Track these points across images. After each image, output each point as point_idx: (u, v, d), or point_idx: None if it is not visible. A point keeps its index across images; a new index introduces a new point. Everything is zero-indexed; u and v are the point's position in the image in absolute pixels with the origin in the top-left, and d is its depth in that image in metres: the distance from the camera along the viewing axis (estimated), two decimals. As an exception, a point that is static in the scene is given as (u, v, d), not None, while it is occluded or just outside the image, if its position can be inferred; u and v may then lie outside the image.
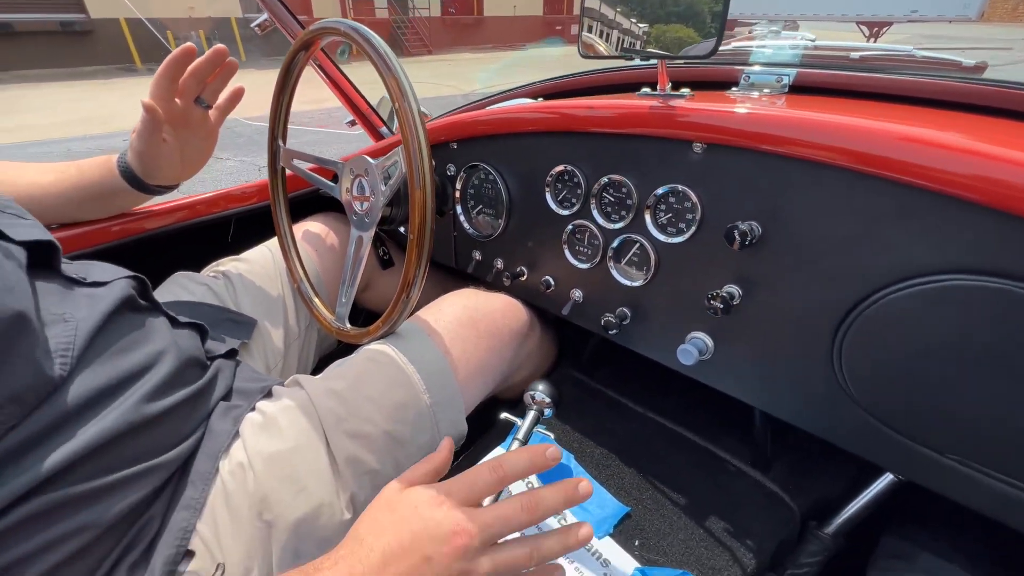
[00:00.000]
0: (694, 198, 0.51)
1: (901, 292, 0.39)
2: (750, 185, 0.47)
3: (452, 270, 0.88)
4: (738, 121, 0.45)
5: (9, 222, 0.46)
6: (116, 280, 0.52)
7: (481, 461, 0.62)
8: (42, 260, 0.47)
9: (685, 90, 0.53)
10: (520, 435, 0.54)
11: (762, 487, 0.58)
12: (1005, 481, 0.38)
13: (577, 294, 0.67)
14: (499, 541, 0.41)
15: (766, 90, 0.58)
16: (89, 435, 0.41)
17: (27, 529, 0.38)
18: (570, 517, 0.55)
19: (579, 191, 0.62)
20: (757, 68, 0.62)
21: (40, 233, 0.47)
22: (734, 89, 0.60)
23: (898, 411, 0.42)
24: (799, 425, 0.50)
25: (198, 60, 0.64)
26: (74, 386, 0.42)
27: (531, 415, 0.55)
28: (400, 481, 0.43)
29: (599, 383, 0.75)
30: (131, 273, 0.55)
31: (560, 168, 0.63)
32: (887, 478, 0.53)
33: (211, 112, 0.71)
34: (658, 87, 0.53)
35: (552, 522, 0.53)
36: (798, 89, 0.60)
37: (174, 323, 0.56)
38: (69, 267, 0.50)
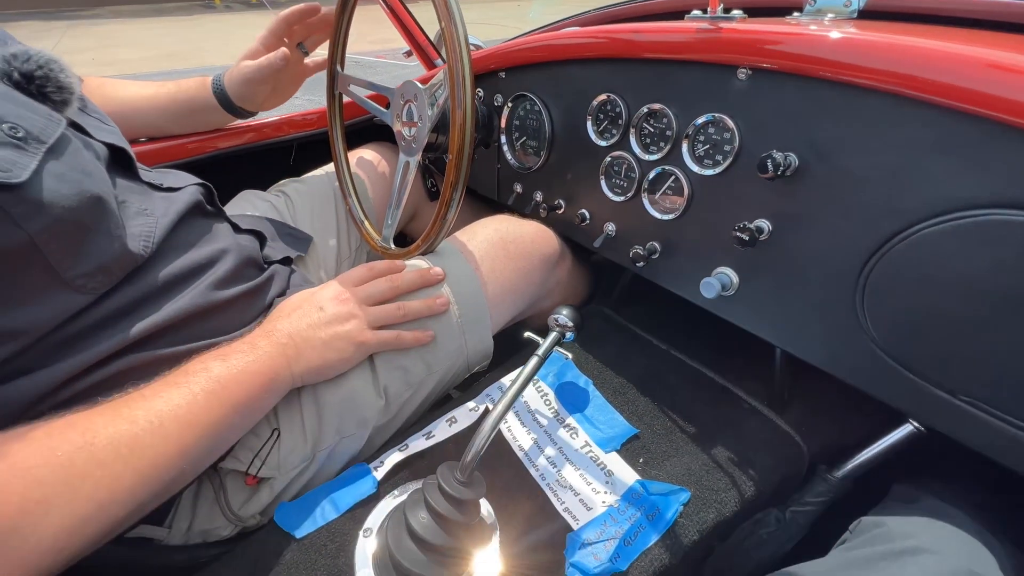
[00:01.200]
0: (732, 127, 0.50)
1: (934, 228, 0.38)
2: (791, 114, 0.45)
3: (492, 202, 0.90)
4: (784, 42, 0.43)
5: (93, 123, 0.52)
6: (187, 186, 0.59)
7: (505, 378, 0.67)
8: (122, 164, 0.53)
9: (737, 12, 0.50)
10: (540, 352, 0.57)
11: (774, 425, 0.59)
12: (1014, 424, 0.37)
13: (610, 227, 0.68)
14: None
15: (830, 15, 0.54)
16: (169, 311, 0.49)
17: (121, 381, 0.46)
18: (581, 433, 0.59)
19: (620, 121, 0.62)
20: (826, -9, 0.57)
21: (117, 139, 0.53)
22: (796, 14, 0.56)
23: (914, 350, 0.42)
24: (813, 362, 0.50)
25: (316, 17, 0.78)
26: (154, 269, 0.49)
27: (552, 336, 0.58)
28: None
29: (626, 319, 0.77)
30: (200, 181, 0.61)
31: (603, 97, 0.63)
32: (904, 429, 0.52)
33: (306, 60, 0.81)
34: (709, 10, 0.51)
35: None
36: (870, 15, 0.56)
37: (236, 229, 0.63)
38: (147, 174, 0.57)
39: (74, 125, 0.48)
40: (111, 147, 0.51)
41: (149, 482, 0.39)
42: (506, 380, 0.66)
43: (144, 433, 0.39)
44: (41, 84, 0.45)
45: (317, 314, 0.54)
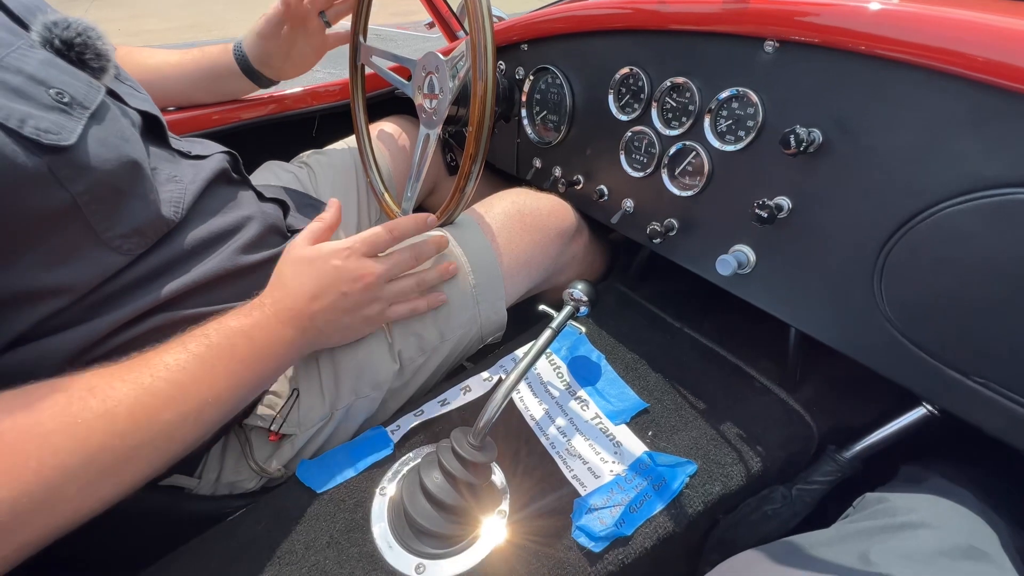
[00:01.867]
0: (756, 101, 0.49)
1: (958, 207, 0.37)
2: (818, 88, 0.44)
3: (510, 177, 0.90)
4: (818, 14, 0.42)
5: (127, 91, 0.54)
6: (214, 154, 0.60)
7: (519, 350, 0.68)
8: (154, 131, 0.55)
9: (767, -18, 0.49)
10: (553, 325, 0.58)
11: (784, 404, 0.59)
12: None
13: (628, 204, 0.67)
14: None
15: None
16: (198, 273, 0.51)
17: (153, 338, 0.48)
18: (592, 406, 0.60)
19: (642, 95, 0.61)
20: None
21: (150, 107, 0.55)
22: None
23: (930, 331, 0.42)
24: (827, 342, 0.50)
25: None
26: (184, 234, 0.51)
27: (566, 310, 0.59)
28: (306, 239, 0.54)
29: (641, 297, 0.77)
30: (226, 149, 0.63)
31: (625, 71, 0.62)
32: (916, 412, 0.52)
33: (327, 32, 0.80)
34: (738, -21, 0.50)
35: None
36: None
37: (260, 197, 0.65)
38: (176, 142, 0.58)
39: (111, 92, 0.49)
40: (144, 114, 0.53)
41: (163, 453, 0.39)
42: (519, 352, 0.67)
43: (163, 407, 0.39)
44: (80, 51, 0.46)
45: (340, 300, 0.52)
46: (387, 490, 0.52)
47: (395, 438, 0.56)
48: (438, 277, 0.61)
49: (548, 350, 0.66)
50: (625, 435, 0.56)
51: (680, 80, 0.56)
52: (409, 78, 0.75)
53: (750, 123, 0.51)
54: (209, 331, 0.45)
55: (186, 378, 0.41)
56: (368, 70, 0.84)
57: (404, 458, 0.55)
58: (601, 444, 0.56)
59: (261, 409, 0.54)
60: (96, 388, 0.37)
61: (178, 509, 0.54)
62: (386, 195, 0.83)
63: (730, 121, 0.53)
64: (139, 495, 0.41)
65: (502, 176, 0.95)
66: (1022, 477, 0.47)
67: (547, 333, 0.57)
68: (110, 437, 0.36)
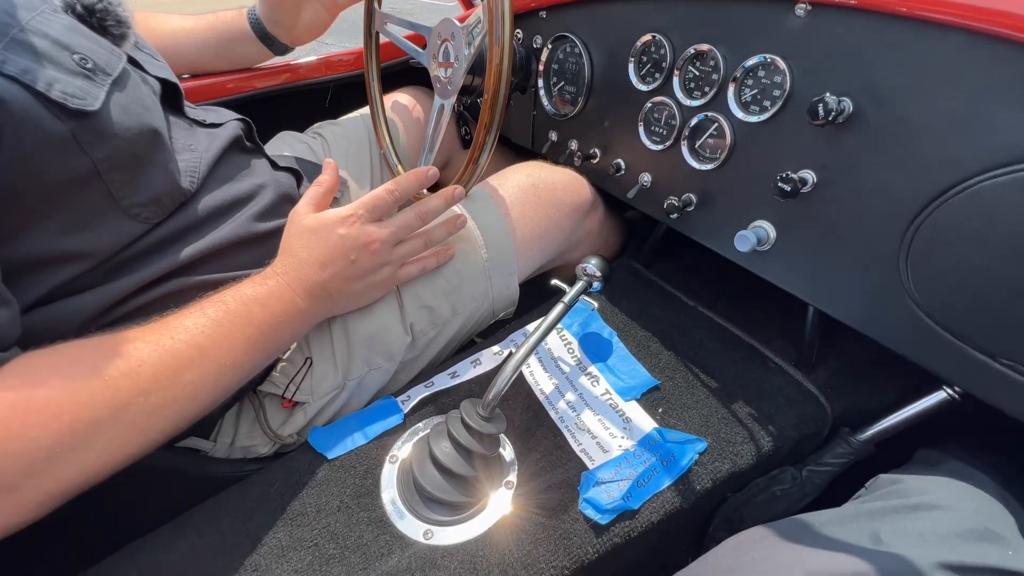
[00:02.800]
0: (784, 69, 0.47)
1: (993, 180, 0.35)
2: (851, 54, 0.42)
3: (526, 152, 0.89)
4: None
5: (145, 58, 0.54)
6: (228, 122, 0.60)
7: (530, 325, 0.67)
8: (171, 99, 0.55)
9: (801, -60, 0.46)
10: (566, 299, 0.57)
11: (799, 385, 0.58)
12: None
13: (646, 178, 0.66)
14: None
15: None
16: (213, 239, 0.51)
17: (169, 302, 0.49)
18: (602, 382, 0.60)
19: (663, 64, 0.59)
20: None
21: (169, 74, 0.55)
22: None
23: (957, 312, 0.40)
24: (848, 322, 0.49)
25: None
26: (199, 202, 0.51)
27: (579, 284, 0.58)
28: (307, 206, 0.55)
29: (655, 275, 0.76)
30: (240, 116, 0.63)
31: (647, 38, 0.60)
32: (935, 396, 0.51)
33: None
34: (770, -63, 0.47)
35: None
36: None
37: (274, 166, 0.65)
38: (192, 110, 0.58)
39: (131, 60, 0.49)
40: (163, 82, 0.53)
41: (186, 412, 0.41)
42: (531, 327, 0.67)
43: (184, 367, 0.40)
44: (101, 17, 0.46)
45: (350, 267, 0.52)
46: (397, 458, 0.53)
47: (405, 408, 0.57)
48: (446, 232, 0.60)
49: (559, 325, 0.65)
50: (635, 411, 0.56)
51: (704, 47, 0.54)
52: (424, 47, 0.74)
53: (776, 92, 0.49)
54: (226, 297, 0.45)
55: (205, 341, 0.42)
56: (383, 39, 0.82)
57: (414, 427, 0.55)
58: (610, 419, 0.55)
59: (275, 376, 0.55)
60: (121, 348, 0.38)
61: (195, 470, 0.56)
62: (399, 167, 0.82)
63: (755, 90, 0.51)
64: (157, 455, 0.42)
65: (517, 150, 0.93)
66: None
67: (559, 307, 0.57)
68: (135, 395, 0.37)
